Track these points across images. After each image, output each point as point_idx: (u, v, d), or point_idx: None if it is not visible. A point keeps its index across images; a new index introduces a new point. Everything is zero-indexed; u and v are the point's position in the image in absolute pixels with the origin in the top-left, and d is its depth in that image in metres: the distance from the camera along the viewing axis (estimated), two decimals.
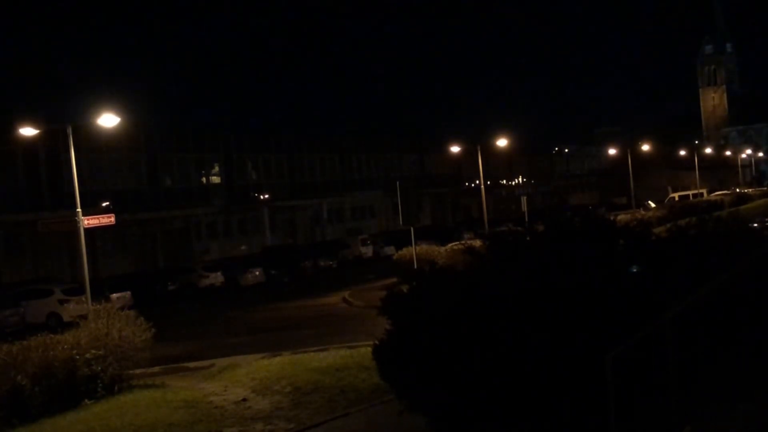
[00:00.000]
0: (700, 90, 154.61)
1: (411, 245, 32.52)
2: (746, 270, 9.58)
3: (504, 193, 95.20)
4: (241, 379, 17.74)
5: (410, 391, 10.04)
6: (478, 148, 50.08)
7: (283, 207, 70.15)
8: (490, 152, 71.36)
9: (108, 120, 24.08)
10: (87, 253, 24.33)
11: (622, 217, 34.48)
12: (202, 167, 67.41)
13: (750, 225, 19.09)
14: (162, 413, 14.94)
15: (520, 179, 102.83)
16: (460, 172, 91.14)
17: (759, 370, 9.08)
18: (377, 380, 12.06)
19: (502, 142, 57.08)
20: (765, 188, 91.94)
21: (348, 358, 18.20)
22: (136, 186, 59.48)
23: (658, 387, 8.48)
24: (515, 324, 8.90)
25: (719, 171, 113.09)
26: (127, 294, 39.29)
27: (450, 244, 38.62)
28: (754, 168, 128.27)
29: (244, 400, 15.71)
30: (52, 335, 17.56)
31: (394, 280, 33.03)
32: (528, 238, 10.48)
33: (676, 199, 76.53)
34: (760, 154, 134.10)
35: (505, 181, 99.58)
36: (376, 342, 10.71)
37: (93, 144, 50.13)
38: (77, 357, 16.87)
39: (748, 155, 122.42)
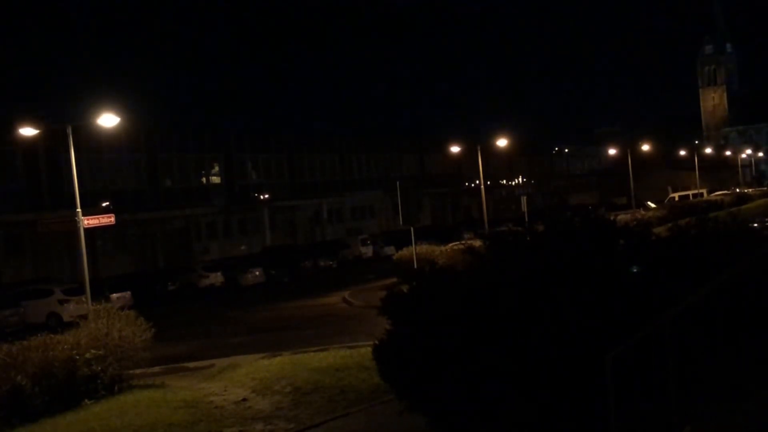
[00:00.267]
0: (700, 90, 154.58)
1: (411, 245, 32.51)
2: (746, 270, 9.58)
3: (504, 193, 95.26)
4: (241, 379, 17.74)
5: (410, 391, 10.04)
6: (478, 148, 50.08)
7: (283, 207, 70.15)
8: (490, 152, 71.39)
9: (108, 120, 24.07)
10: (87, 253, 24.31)
11: (622, 217, 34.44)
12: (202, 167, 67.41)
13: (750, 225, 19.09)
14: (162, 413, 14.94)
15: (520, 179, 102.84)
16: (460, 172, 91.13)
17: (759, 370, 9.08)
18: (377, 380, 12.06)
19: (502, 142, 57.09)
20: (765, 188, 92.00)
21: (348, 358, 18.20)
22: (136, 186, 59.49)
23: (658, 387, 8.48)
24: (515, 324, 8.90)
25: (719, 171, 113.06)
26: (127, 294, 39.29)
27: (450, 244, 38.62)
28: (754, 168, 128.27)
29: (244, 400, 15.70)
30: (52, 335, 17.56)
31: (394, 280, 33.03)
32: (528, 238, 10.47)
33: (676, 199, 76.55)
34: (760, 154, 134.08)
35: (505, 181, 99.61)
36: (376, 342, 10.71)
37: (93, 144, 50.16)
38: (77, 357, 16.87)
39: (748, 155, 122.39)
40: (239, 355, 21.55)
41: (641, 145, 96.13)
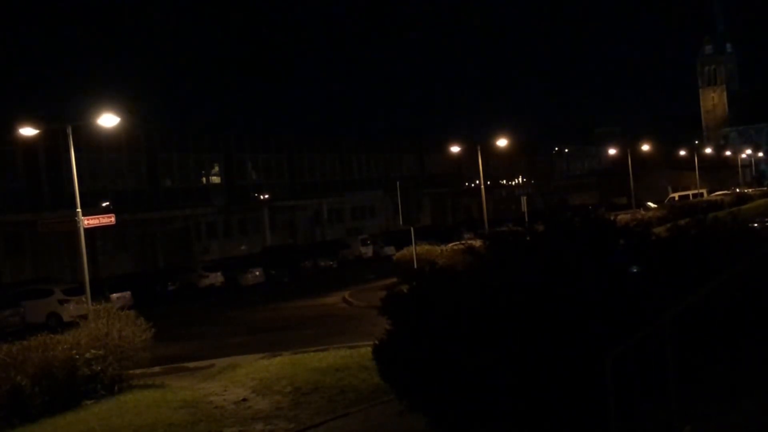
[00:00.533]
0: (700, 90, 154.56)
1: (411, 245, 32.51)
2: (746, 270, 9.58)
3: (504, 193, 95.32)
4: (241, 379, 17.74)
5: (410, 391, 10.04)
6: (478, 148, 50.13)
7: (283, 207, 70.16)
8: (490, 152, 71.44)
9: (108, 120, 24.06)
10: (87, 253, 24.31)
11: (622, 217, 34.47)
12: (202, 167, 67.43)
13: (750, 225, 19.10)
14: (162, 413, 14.94)
15: (520, 179, 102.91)
16: (460, 172, 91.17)
17: (759, 370, 9.08)
18: (377, 380, 12.06)
19: (502, 142, 57.11)
20: (765, 188, 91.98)
21: (348, 358, 18.20)
22: (136, 186, 59.52)
23: (658, 387, 8.48)
24: (515, 324, 8.90)
25: (719, 171, 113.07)
26: (127, 294, 39.28)
27: (450, 244, 38.62)
28: (754, 168, 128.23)
29: (244, 400, 15.71)
30: (52, 335, 17.57)
31: (394, 280, 33.03)
32: (528, 238, 10.47)
33: (676, 199, 76.55)
34: (760, 154, 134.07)
35: (505, 181, 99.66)
36: (376, 342, 10.71)
37: (93, 144, 50.17)
38: (77, 357, 16.87)
39: (748, 155, 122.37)
40: (239, 355, 21.55)
41: (641, 145, 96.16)
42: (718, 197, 73.40)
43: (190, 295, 44.70)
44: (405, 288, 11.12)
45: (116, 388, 17.33)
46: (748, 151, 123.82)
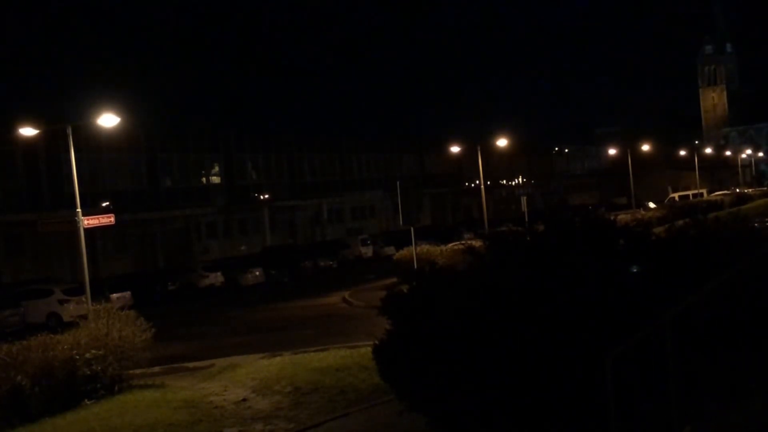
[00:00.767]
0: (700, 90, 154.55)
1: (411, 245, 32.51)
2: (747, 270, 9.58)
3: (504, 193, 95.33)
4: (241, 379, 17.74)
5: (410, 391, 10.04)
6: (478, 148, 50.14)
7: (283, 207, 70.17)
8: (490, 152, 71.44)
9: (108, 120, 24.07)
10: (87, 253, 24.33)
11: (622, 217, 34.50)
12: (202, 167, 67.44)
13: (750, 225, 19.06)
14: (162, 413, 14.95)
15: (520, 179, 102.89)
16: (460, 172, 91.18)
17: (759, 370, 9.08)
18: (377, 380, 12.06)
19: (502, 142, 57.13)
20: (765, 188, 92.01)
21: (348, 358, 18.21)
22: (136, 186, 59.53)
23: (658, 387, 8.48)
24: (515, 324, 8.90)
25: (719, 171, 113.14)
26: (127, 294, 39.31)
27: (450, 244, 38.65)
28: (754, 168, 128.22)
29: (244, 400, 15.71)
30: (52, 335, 17.57)
31: (394, 280, 33.07)
32: (528, 238, 10.47)
33: (676, 199, 76.60)
34: (760, 154, 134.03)
35: (505, 181, 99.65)
36: (376, 342, 10.71)
37: (93, 144, 50.20)
38: (77, 357, 16.87)
39: (748, 155, 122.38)
40: (239, 355, 21.56)
41: (641, 145, 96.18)
42: (718, 197, 73.45)
43: (190, 295, 44.72)
44: (405, 288, 11.12)
45: (116, 388, 17.33)
46: (748, 151, 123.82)
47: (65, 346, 17.02)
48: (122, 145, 55.55)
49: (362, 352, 17.00)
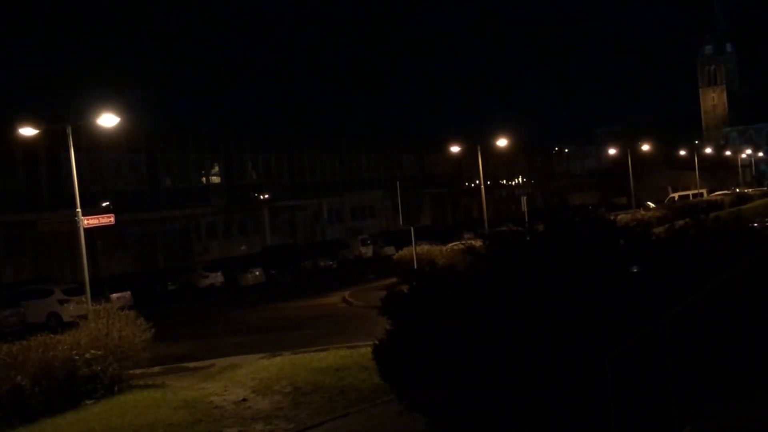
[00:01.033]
0: (700, 90, 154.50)
1: (411, 245, 32.50)
2: (746, 270, 9.57)
3: (504, 193, 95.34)
4: (241, 379, 17.74)
5: (410, 391, 10.04)
6: (478, 148, 50.11)
7: (283, 207, 70.16)
8: (490, 152, 71.39)
9: (108, 120, 24.06)
10: (87, 253, 24.31)
11: (622, 217, 34.48)
12: (202, 167, 67.43)
13: (750, 225, 19.09)
14: (162, 413, 14.95)
15: (520, 179, 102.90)
16: (460, 172, 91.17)
17: (759, 370, 9.07)
18: (377, 380, 12.07)
19: (502, 142, 57.11)
20: (765, 188, 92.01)
21: (348, 358, 18.21)
22: (136, 186, 59.52)
23: (658, 387, 8.47)
24: (515, 324, 8.90)
25: (719, 171, 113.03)
26: (127, 294, 39.28)
27: (450, 244, 38.61)
28: (754, 168, 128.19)
29: (244, 400, 15.71)
30: (52, 335, 17.58)
31: (394, 280, 32.99)
32: (528, 238, 10.46)
33: (676, 199, 76.59)
34: (760, 154, 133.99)
35: (505, 181, 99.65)
36: (376, 342, 10.71)
37: (93, 144, 50.16)
38: (77, 357, 16.88)
39: (748, 155, 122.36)
40: (239, 355, 21.56)
41: (641, 145, 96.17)
42: (718, 197, 73.44)
43: (190, 295, 44.69)
44: (405, 288, 11.12)
45: (116, 388, 17.33)
46: (748, 151, 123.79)
47: (65, 346, 17.03)
48: (122, 145, 55.56)
49: (362, 352, 17.00)
